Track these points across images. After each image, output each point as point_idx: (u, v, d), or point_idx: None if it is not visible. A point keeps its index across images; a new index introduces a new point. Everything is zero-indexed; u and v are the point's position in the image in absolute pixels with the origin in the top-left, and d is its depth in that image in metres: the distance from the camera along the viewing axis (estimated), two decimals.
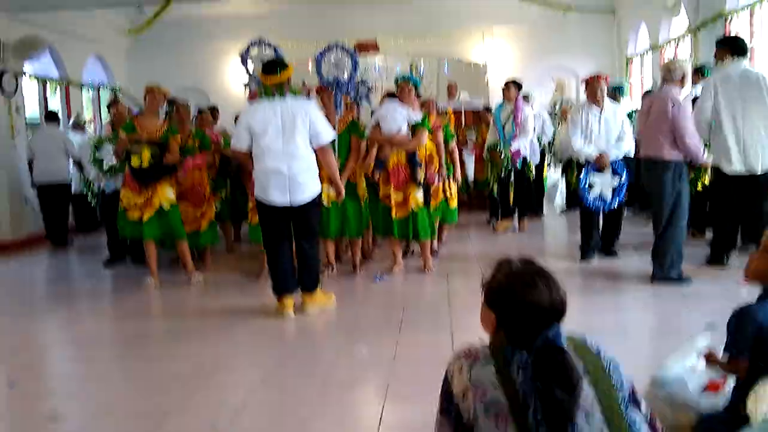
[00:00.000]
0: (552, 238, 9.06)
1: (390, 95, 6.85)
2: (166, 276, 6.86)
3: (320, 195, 5.26)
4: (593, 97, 6.67)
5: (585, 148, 6.57)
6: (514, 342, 1.77)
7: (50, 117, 10.21)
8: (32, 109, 11.31)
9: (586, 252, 6.77)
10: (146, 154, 6.29)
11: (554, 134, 10.39)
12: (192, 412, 3.44)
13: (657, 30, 11.17)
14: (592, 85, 6.70)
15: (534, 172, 9.25)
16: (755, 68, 6.36)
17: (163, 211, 6.45)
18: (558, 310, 1.79)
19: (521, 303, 1.77)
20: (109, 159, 7.16)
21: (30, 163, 9.90)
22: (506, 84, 8.80)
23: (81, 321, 5.66)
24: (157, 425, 3.26)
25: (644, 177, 5.79)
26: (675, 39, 10.45)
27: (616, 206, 6.66)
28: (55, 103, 11.73)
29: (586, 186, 6.60)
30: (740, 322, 2.64)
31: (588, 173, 6.59)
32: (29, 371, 4.26)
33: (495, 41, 13.56)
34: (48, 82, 11.38)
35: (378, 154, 6.49)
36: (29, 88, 11.07)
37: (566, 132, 7.12)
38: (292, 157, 5.01)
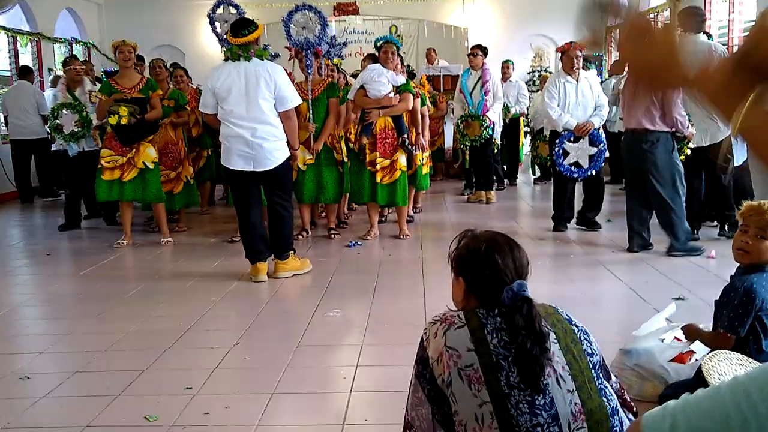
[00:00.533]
0: (527, 207, 9.12)
1: (372, 58, 6.78)
2: (139, 237, 6.84)
3: (288, 161, 5.15)
4: (569, 66, 6.60)
5: (563, 117, 6.53)
6: (484, 303, 1.82)
7: (23, 72, 10.02)
8: (1, 63, 11.05)
9: (559, 221, 6.80)
10: (124, 111, 6.18)
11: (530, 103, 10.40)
12: (166, 371, 3.44)
13: (637, 0, 11.16)
14: (567, 53, 6.62)
15: (499, 142, 9.31)
16: (714, 41, 6.36)
17: (144, 171, 6.40)
18: (521, 269, 1.86)
19: (487, 262, 1.83)
20: (69, 125, 7.07)
21: (6, 119, 9.79)
22: (472, 50, 8.66)
23: (53, 280, 5.61)
24: (129, 383, 3.26)
25: (629, 148, 5.70)
26: (655, 9, 10.47)
27: (593, 173, 6.64)
28: (26, 58, 11.46)
29: (560, 153, 6.59)
30: (744, 299, 2.65)
31: (563, 141, 6.57)
32: (0, 330, 4.22)
33: (476, 6, 13.47)
34: (18, 36, 11.11)
35: (364, 119, 6.43)
36: None
37: (541, 101, 7.08)
38: (256, 121, 4.91)
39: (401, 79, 6.45)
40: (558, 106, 6.55)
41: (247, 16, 6.39)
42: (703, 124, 5.95)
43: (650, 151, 5.48)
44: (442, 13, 13.65)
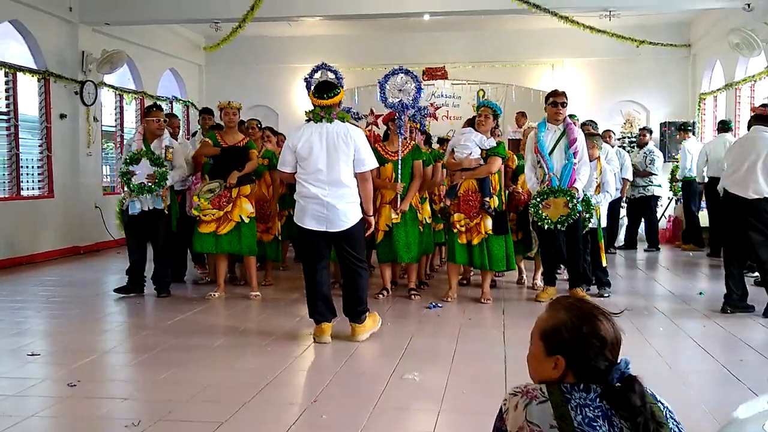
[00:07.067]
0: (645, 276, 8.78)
1: (470, 122, 6.86)
2: (228, 290, 7.04)
3: (361, 222, 5.13)
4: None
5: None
6: (586, 381, 1.73)
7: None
8: (107, 120, 11.71)
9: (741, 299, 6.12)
10: (205, 204, 6.60)
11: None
12: (244, 424, 3.47)
13: (733, 68, 10.90)
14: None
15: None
16: None
17: (240, 224, 6.65)
18: (619, 343, 1.77)
19: (589, 336, 1.73)
20: (141, 176, 6.60)
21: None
22: (552, 97, 6.49)
23: (141, 328, 5.80)
24: None
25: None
26: (752, 78, 10.19)
27: None
28: (130, 115, 12.14)
29: None
30: None
31: None
32: (89, 374, 4.37)
33: (565, 72, 13.45)
34: (125, 94, 11.81)
35: (450, 181, 6.47)
36: (107, 99, 11.49)
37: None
38: (334, 182, 4.94)
39: (491, 142, 6.45)
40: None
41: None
42: None
43: None
44: (531, 78, 13.67)
